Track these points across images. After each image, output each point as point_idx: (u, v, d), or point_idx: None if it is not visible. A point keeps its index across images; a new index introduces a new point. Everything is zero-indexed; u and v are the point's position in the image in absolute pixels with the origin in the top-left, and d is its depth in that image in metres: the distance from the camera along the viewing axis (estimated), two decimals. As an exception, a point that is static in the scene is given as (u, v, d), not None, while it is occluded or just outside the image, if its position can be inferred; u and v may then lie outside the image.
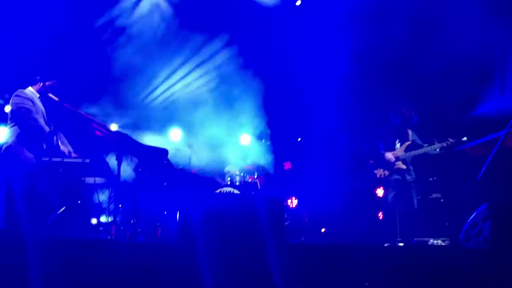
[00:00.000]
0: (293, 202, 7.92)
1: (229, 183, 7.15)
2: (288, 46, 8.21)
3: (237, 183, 7.14)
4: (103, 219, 6.04)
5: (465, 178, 6.35)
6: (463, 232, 4.14)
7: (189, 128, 7.75)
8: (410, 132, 6.65)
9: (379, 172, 6.54)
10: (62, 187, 4.92)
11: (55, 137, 5.06)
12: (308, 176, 8.02)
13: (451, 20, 6.84)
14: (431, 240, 6.46)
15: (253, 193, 7.14)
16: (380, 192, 6.99)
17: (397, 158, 6.52)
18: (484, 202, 3.93)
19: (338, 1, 7.75)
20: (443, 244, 6.35)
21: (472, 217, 4.11)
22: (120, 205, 6.55)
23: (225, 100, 7.70)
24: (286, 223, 6.92)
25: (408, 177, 6.47)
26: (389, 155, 6.52)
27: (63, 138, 5.31)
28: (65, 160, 5.01)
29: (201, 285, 3.24)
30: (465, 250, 4.02)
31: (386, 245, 5.62)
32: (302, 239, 7.43)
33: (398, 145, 6.63)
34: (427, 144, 6.49)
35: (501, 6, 6.38)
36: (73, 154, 5.24)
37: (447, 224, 6.71)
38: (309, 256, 3.57)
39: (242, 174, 7.25)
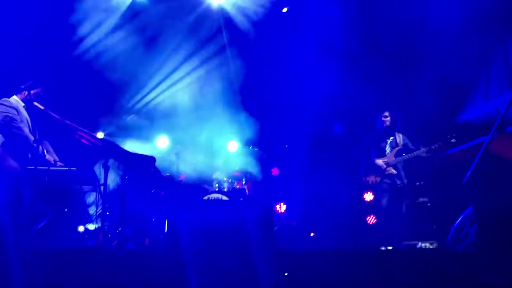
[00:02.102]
0: (281, 208, 7.91)
1: (217, 189, 7.12)
2: (277, 51, 8.22)
3: (225, 190, 7.12)
4: (90, 227, 5.98)
5: (451, 182, 6.44)
6: (450, 236, 4.17)
7: (176, 135, 7.70)
8: (401, 136, 6.79)
9: (371, 179, 6.70)
10: (47, 196, 4.87)
11: (40, 146, 5.01)
12: (296, 181, 8.02)
13: (440, 28, 6.94)
14: (419, 243, 6.51)
15: (241, 199, 7.11)
16: (368, 196, 7.04)
17: (388, 164, 6.65)
18: (470, 206, 3.97)
19: (326, 8, 7.79)
20: (431, 247, 6.40)
21: (458, 220, 4.13)
22: (107, 213, 6.48)
23: (212, 106, 7.68)
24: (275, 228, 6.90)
25: (398, 182, 6.62)
26: (380, 162, 6.69)
27: (49, 147, 5.27)
28: (51, 168, 4.97)
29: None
30: (452, 253, 4.04)
31: (381, 248, 5.66)
32: (291, 244, 7.40)
33: (388, 149, 6.75)
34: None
35: (485, 16, 6.50)
36: (58, 163, 5.20)
37: (434, 227, 6.78)
38: (299, 262, 3.57)
39: (230, 181, 7.22)
